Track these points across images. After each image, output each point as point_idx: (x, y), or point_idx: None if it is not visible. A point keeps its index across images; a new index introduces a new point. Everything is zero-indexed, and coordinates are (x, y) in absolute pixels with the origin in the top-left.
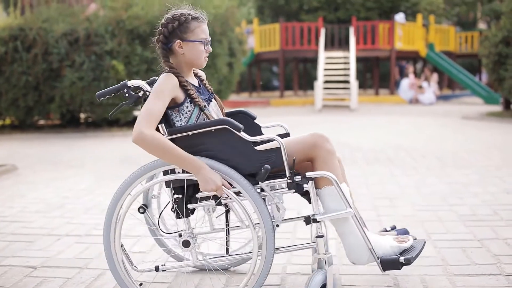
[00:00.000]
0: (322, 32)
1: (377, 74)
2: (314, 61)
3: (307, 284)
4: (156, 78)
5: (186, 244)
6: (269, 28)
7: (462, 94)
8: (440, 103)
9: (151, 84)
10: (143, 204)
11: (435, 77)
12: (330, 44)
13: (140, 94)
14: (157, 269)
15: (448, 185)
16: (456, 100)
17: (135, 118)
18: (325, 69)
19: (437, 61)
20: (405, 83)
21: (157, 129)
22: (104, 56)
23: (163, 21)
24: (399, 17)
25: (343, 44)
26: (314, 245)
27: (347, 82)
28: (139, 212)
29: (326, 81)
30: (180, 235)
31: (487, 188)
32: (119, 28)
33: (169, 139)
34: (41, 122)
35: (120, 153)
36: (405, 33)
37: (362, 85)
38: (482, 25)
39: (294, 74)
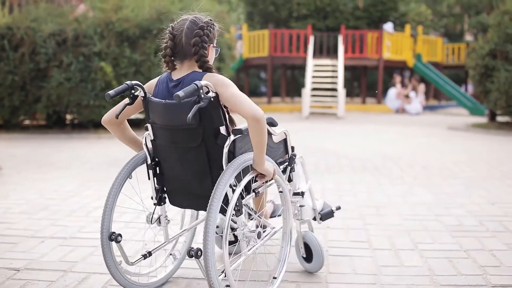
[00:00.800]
0: (311, 39)
1: (365, 83)
2: (302, 68)
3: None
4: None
5: (259, 235)
6: (258, 34)
7: (448, 105)
8: (426, 113)
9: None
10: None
11: (422, 87)
12: (319, 52)
13: (142, 94)
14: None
15: (434, 195)
16: (442, 110)
17: None
18: (313, 77)
19: (424, 72)
20: (392, 92)
21: (216, 131)
22: (92, 58)
23: (201, 23)
24: (388, 26)
25: (332, 52)
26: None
27: (334, 90)
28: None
29: (314, 89)
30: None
31: (473, 199)
32: (108, 30)
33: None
34: (27, 122)
35: (106, 155)
36: (393, 43)
37: (349, 94)
38: (469, 37)
39: (282, 81)
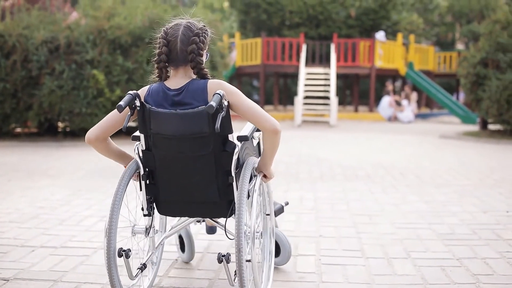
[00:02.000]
0: (303, 48)
1: (357, 91)
2: (294, 76)
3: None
4: (132, 93)
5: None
6: (251, 43)
7: (440, 113)
8: (419, 121)
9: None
10: None
11: (414, 95)
12: (311, 60)
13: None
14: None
15: (427, 204)
16: (434, 119)
17: None
18: (306, 85)
19: (416, 80)
20: (385, 100)
21: (225, 138)
22: (85, 65)
23: (196, 30)
24: (380, 35)
25: (324, 60)
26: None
27: (327, 98)
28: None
29: (306, 97)
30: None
31: (466, 207)
32: (100, 37)
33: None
34: (18, 130)
35: (98, 164)
36: (385, 52)
37: (341, 102)
38: (460, 46)
39: (274, 89)
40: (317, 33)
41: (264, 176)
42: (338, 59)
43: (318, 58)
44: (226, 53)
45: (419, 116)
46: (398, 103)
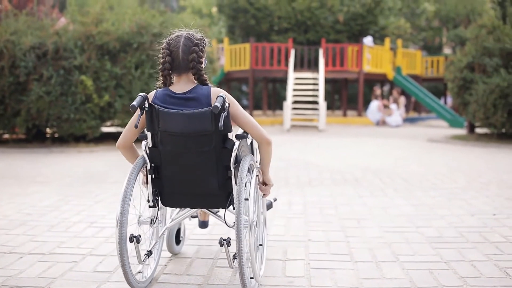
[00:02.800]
0: (292, 53)
1: (345, 96)
2: (283, 81)
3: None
4: (143, 95)
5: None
6: (239, 48)
7: (428, 117)
8: (407, 125)
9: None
10: None
11: (402, 100)
12: (300, 65)
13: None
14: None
15: (414, 207)
16: (422, 122)
17: (102, 135)
18: (294, 90)
19: (404, 84)
20: (373, 105)
21: (225, 136)
22: (73, 71)
23: (195, 40)
24: (367, 40)
25: (312, 65)
26: None
27: (315, 103)
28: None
29: (295, 102)
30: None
31: (453, 210)
32: (88, 43)
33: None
34: (6, 136)
35: (86, 169)
36: (373, 56)
37: (330, 106)
38: (447, 50)
39: (263, 94)
40: (305, 38)
41: (264, 184)
42: (326, 64)
43: (307, 63)
44: (215, 58)
45: (407, 120)
46: (387, 107)
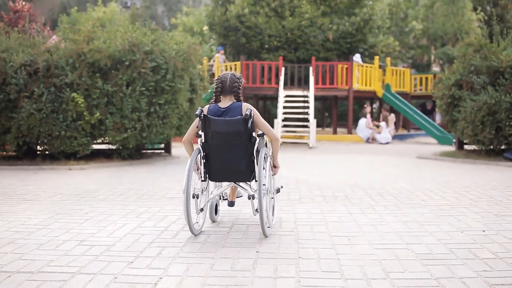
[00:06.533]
0: (282, 71)
1: (335, 113)
2: (274, 98)
3: None
4: (201, 108)
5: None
6: (230, 66)
7: (417, 134)
8: (396, 142)
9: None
10: None
11: (392, 117)
12: (290, 83)
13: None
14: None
15: (404, 224)
16: (411, 139)
17: (93, 152)
18: (285, 107)
19: (393, 101)
20: (362, 122)
21: (250, 134)
22: (64, 88)
23: (236, 78)
24: (356, 57)
25: (303, 83)
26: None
27: (306, 120)
28: None
29: (285, 119)
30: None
31: (443, 227)
32: (80, 60)
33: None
34: None
35: (77, 187)
36: (363, 74)
37: (320, 124)
38: (435, 68)
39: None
40: (295, 56)
41: (274, 166)
42: (316, 82)
43: (297, 80)
44: (206, 76)
45: (396, 137)
46: (377, 126)
